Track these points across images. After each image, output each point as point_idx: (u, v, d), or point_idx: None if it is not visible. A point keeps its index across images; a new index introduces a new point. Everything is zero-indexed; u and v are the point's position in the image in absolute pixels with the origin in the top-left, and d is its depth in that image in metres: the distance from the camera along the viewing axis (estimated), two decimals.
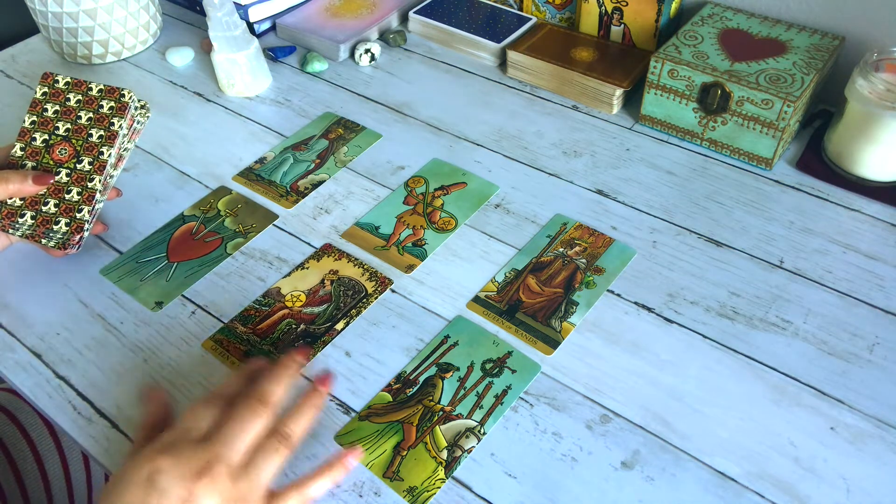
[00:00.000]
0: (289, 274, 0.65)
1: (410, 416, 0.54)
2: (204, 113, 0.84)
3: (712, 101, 0.72)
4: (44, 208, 0.61)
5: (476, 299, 0.62)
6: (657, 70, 0.74)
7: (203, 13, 1.00)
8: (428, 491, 0.49)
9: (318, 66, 0.89)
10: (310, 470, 0.47)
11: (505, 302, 0.61)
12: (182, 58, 0.92)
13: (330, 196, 0.73)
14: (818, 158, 0.73)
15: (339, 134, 0.80)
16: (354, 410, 0.54)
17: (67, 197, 0.62)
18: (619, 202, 0.70)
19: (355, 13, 0.96)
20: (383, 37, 0.95)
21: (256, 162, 0.77)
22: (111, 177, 0.65)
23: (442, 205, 0.71)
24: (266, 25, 0.96)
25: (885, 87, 0.64)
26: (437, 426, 0.53)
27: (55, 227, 0.61)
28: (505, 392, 0.55)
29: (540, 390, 0.55)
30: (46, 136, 0.63)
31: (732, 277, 0.63)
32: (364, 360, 0.58)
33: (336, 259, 0.66)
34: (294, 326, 0.60)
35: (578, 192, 0.71)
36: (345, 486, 0.50)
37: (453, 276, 0.64)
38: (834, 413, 0.53)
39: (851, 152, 0.69)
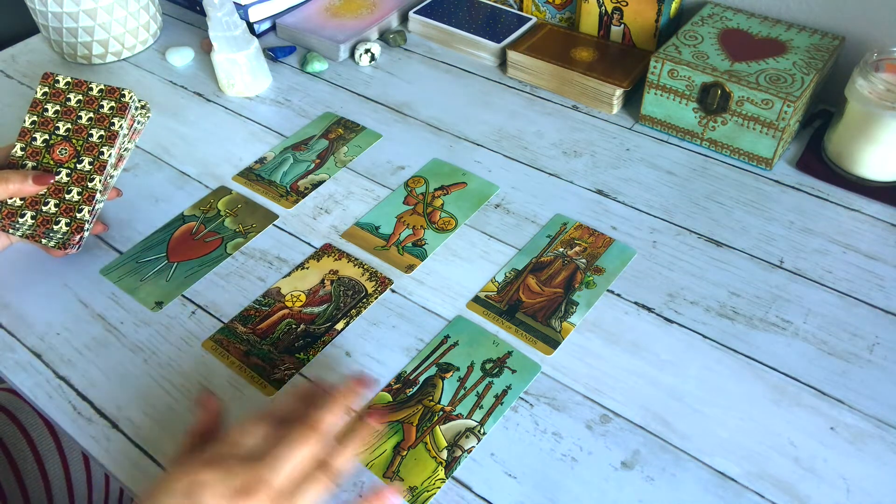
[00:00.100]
0: (289, 274, 0.65)
1: (410, 416, 0.54)
2: (204, 113, 0.84)
3: (712, 101, 0.72)
4: (44, 208, 0.61)
5: (476, 299, 0.62)
6: (657, 70, 0.74)
7: (203, 13, 1.00)
8: (428, 491, 0.49)
9: (318, 66, 0.89)
10: (349, 500, 0.46)
11: (505, 302, 0.61)
12: (182, 58, 0.92)
13: (330, 196, 0.73)
14: (818, 158, 0.73)
15: (339, 134, 0.80)
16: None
17: (68, 197, 0.62)
18: (619, 202, 0.70)
19: (355, 13, 0.96)
20: (383, 37, 0.95)
21: (256, 162, 0.77)
22: (111, 177, 0.65)
23: (442, 205, 0.71)
24: (266, 25, 0.96)
25: (885, 87, 0.64)
26: (437, 426, 0.53)
27: (55, 227, 0.61)
28: (505, 392, 0.55)
29: (540, 390, 0.55)
30: (47, 136, 0.63)
31: (732, 277, 0.63)
32: (364, 360, 0.58)
33: (336, 259, 0.66)
34: (294, 326, 0.60)
35: (578, 192, 0.72)
36: (345, 486, 0.50)
37: (453, 276, 0.64)
38: (834, 413, 0.53)
39: (851, 152, 0.69)
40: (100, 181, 0.62)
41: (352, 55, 0.92)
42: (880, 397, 0.54)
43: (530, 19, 0.92)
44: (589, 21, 0.87)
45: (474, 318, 0.60)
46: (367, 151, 0.78)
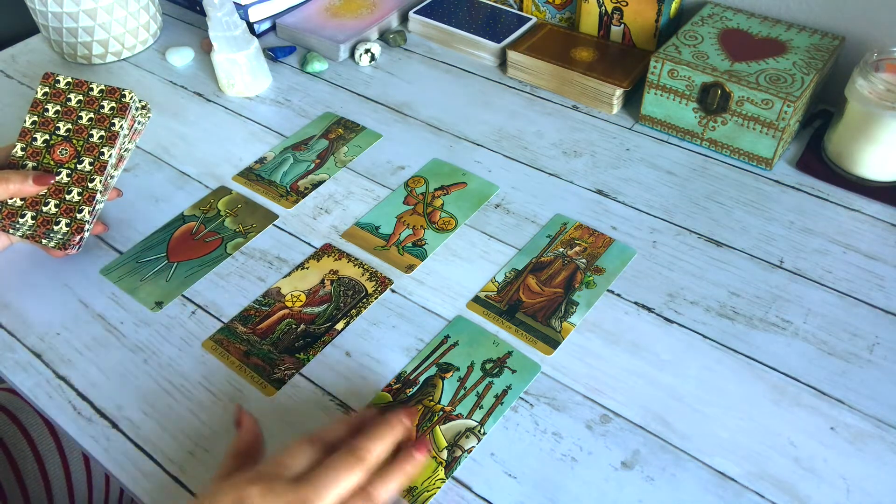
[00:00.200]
0: (289, 274, 0.65)
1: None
2: (204, 113, 0.84)
3: (712, 101, 0.72)
4: (44, 208, 0.62)
5: (476, 299, 0.62)
6: (657, 70, 0.74)
7: (203, 13, 1.00)
8: (428, 491, 0.49)
9: (318, 66, 0.89)
10: None
11: (505, 302, 0.61)
12: (182, 58, 0.92)
13: (330, 196, 0.73)
14: (818, 158, 0.73)
15: (339, 134, 0.80)
16: (354, 410, 0.55)
17: (68, 197, 0.62)
18: (619, 202, 0.70)
19: (355, 13, 0.96)
20: (383, 37, 0.95)
21: (256, 162, 0.77)
22: (112, 177, 0.65)
23: (442, 205, 0.71)
24: (266, 25, 0.96)
25: (885, 87, 0.64)
26: (437, 426, 0.53)
27: (55, 228, 0.61)
28: (505, 392, 0.55)
29: (540, 390, 0.55)
30: (47, 137, 0.63)
31: (732, 277, 0.63)
32: (364, 360, 0.58)
33: (336, 259, 0.66)
34: (294, 326, 0.60)
35: (578, 192, 0.72)
36: None
37: (453, 276, 0.64)
38: (834, 413, 0.53)
39: (851, 152, 0.69)
40: (100, 181, 0.62)
41: (352, 55, 0.92)
42: (880, 397, 0.54)
43: (530, 19, 0.92)
44: (589, 21, 0.87)
45: (474, 318, 0.60)
46: (367, 151, 0.78)
